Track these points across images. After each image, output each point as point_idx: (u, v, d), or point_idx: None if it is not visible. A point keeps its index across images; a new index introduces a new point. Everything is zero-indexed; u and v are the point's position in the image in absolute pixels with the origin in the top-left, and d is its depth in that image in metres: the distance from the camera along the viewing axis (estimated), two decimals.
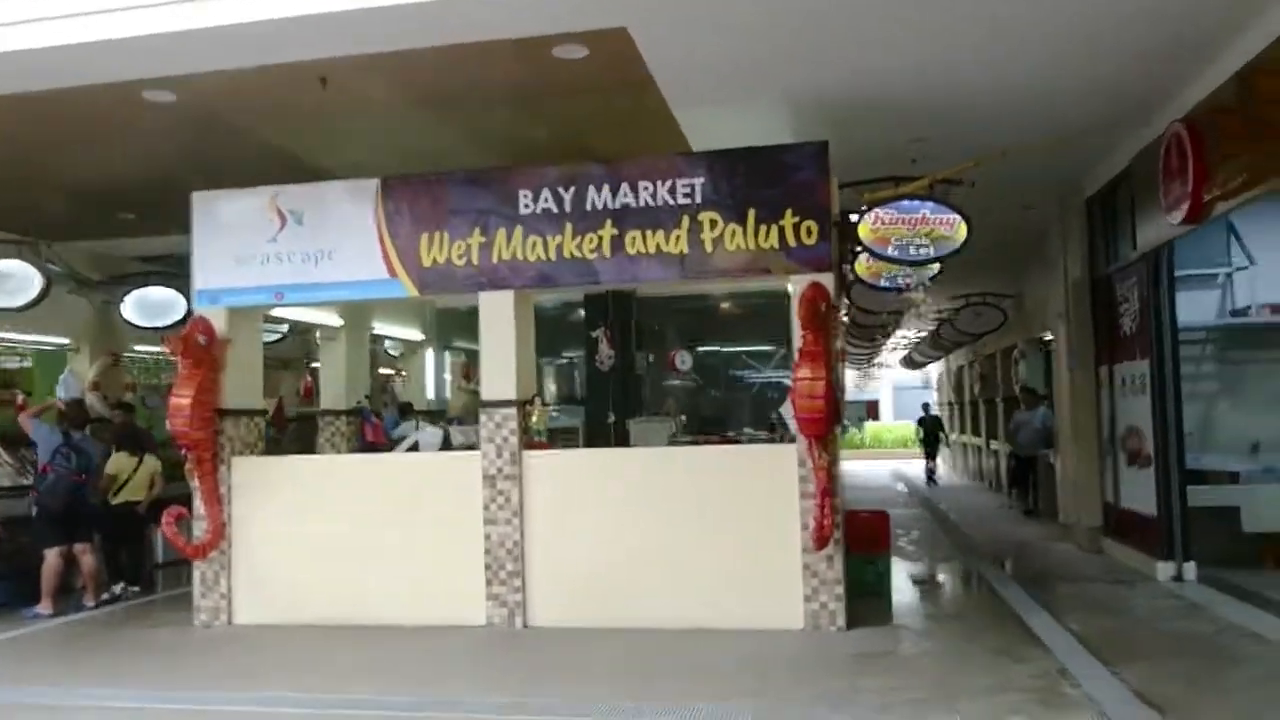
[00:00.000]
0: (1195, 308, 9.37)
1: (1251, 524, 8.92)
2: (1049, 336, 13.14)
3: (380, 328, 12.16)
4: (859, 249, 7.66)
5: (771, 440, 8.89)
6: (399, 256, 7.58)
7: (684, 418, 11.20)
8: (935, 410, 22.58)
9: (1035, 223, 11.54)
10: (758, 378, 13.53)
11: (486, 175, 7.52)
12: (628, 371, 11.11)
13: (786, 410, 7.23)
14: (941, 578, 9.44)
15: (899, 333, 19.37)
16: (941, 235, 7.26)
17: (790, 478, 6.91)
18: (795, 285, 6.99)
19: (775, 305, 12.89)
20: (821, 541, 6.64)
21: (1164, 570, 8.29)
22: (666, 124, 7.81)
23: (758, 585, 6.93)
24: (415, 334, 13.29)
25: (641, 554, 7.11)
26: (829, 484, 6.68)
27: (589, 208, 7.28)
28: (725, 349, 13.13)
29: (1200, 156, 6.92)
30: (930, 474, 19.69)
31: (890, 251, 7.32)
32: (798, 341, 6.82)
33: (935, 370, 27.45)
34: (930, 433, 20.22)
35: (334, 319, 10.48)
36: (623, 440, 10.31)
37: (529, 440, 7.43)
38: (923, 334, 19.33)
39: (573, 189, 7.31)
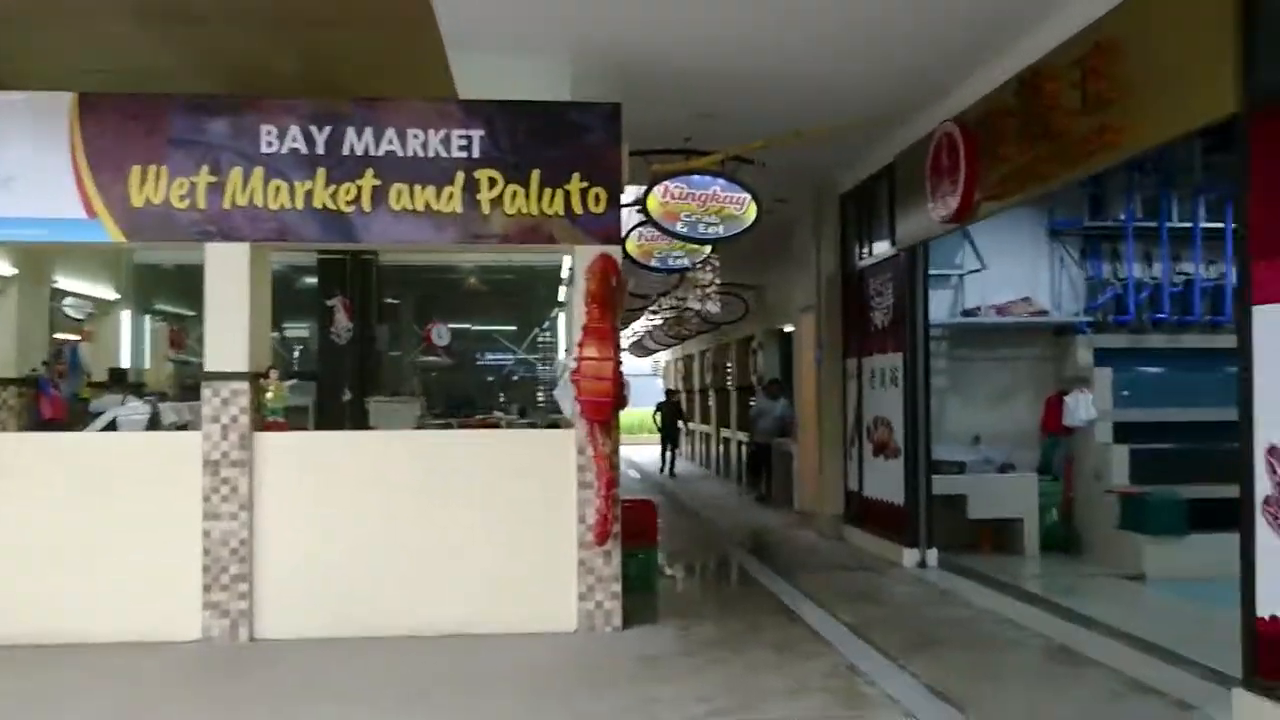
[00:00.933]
0: (931, 306, 9.75)
1: (976, 511, 9.48)
2: (789, 328, 13.48)
3: (63, 282, 10.24)
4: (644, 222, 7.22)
5: (534, 425, 8.27)
6: (100, 193, 6.20)
7: (425, 399, 10.31)
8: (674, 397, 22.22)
9: (782, 217, 11.70)
10: (507, 358, 12.85)
11: (221, 103, 6.30)
12: (367, 346, 10.05)
13: (563, 392, 6.65)
14: (700, 568, 9.24)
15: (643, 319, 19.25)
16: (731, 214, 6.97)
17: (568, 466, 6.34)
18: (581, 257, 6.41)
19: (528, 283, 12.36)
20: (603, 536, 6.13)
21: (910, 557, 8.55)
22: (436, 71, 6.98)
23: (528, 584, 6.30)
24: (108, 292, 11.38)
25: (397, 551, 6.26)
26: (612, 473, 6.18)
27: (346, 152, 6.29)
28: (473, 327, 12.35)
29: (972, 156, 7.08)
30: (668, 463, 19.04)
31: (679, 228, 6.93)
32: (582, 318, 6.25)
33: (663, 358, 27.97)
34: (669, 420, 19.32)
35: (3, 266, 8.60)
36: (360, 422, 9.27)
37: (262, 420, 6.34)
38: (657, 322, 19.34)
39: (328, 129, 6.28)
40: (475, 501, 6.33)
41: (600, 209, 6.38)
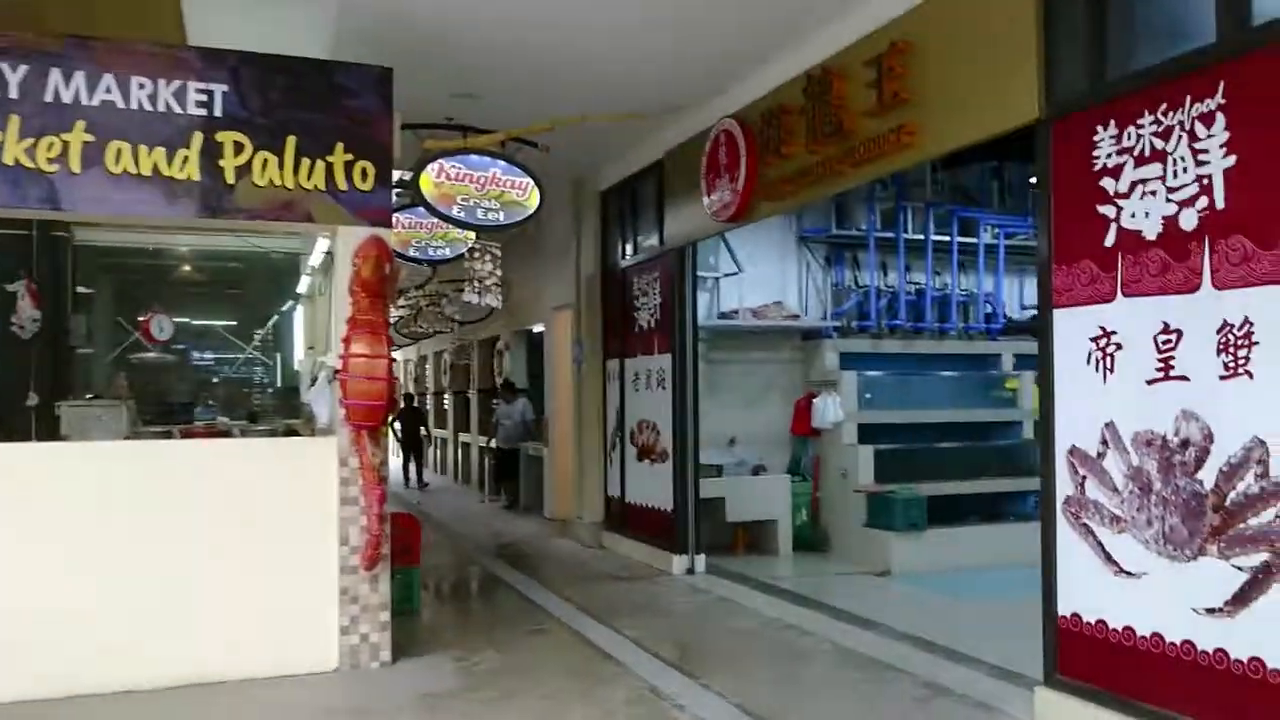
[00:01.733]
0: None
1: (734, 514, 9.48)
2: (539, 328, 13.03)
3: None
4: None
5: (274, 432, 7.26)
6: None
7: (134, 403, 8.85)
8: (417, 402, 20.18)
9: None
10: (231, 357, 11.41)
11: None
12: (59, 340, 8.46)
13: (319, 395, 5.80)
14: (461, 586, 8.54)
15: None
16: (513, 200, 6.39)
17: (327, 480, 5.51)
18: (345, 239, 5.60)
19: (257, 272, 11.02)
20: (373, 560, 5.38)
21: (679, 564, 8.35)
22: (162, 15, 5.92)
23: (278, 618, 5.41)
24: None
25: (110, 588, 5.14)
26: (383, 487, 5.43)
27: (50, 99, 5.09)
28: (192, 321, 10.82)
29: (753, 154, 6.97)
30: (415, 475, 16.75)
31: (455, 212, 6.26)
32: (348, 310, 5.46)
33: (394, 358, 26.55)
34: (411, 428, 16.97)
35: None
36: (51, 431, 7.77)
37: None
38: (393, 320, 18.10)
39: (24, 69, 5.05)
40: (209, 525, 5.34)
41: (368, 185, 5.61)
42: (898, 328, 10.68)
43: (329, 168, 5.53)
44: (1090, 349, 4.36)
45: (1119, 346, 4.23)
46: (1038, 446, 10.04)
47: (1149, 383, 4.08)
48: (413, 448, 16.92)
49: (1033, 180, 10.57)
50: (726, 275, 10.27)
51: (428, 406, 20.68)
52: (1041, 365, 4.64)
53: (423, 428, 17.82)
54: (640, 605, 7.15)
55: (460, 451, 17.32)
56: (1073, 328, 4.45)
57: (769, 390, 10.53)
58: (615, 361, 9.86)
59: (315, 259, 9.40)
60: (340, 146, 5.56)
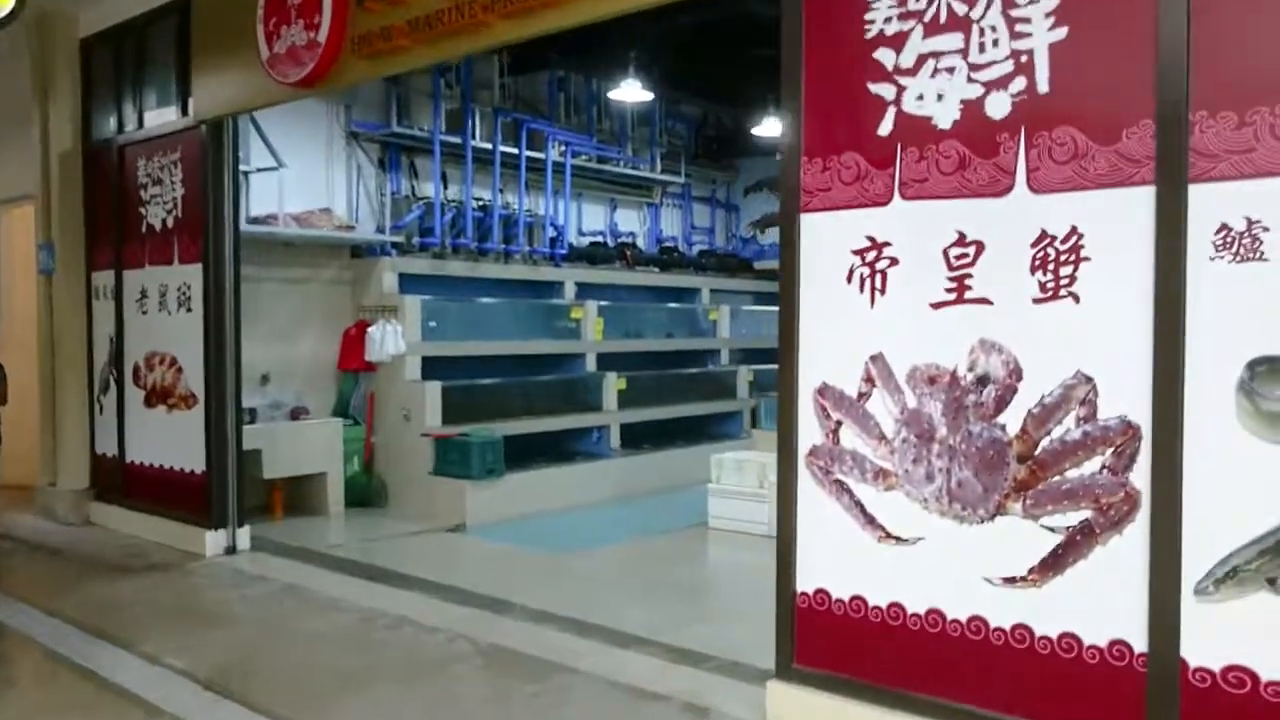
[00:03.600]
0: None
1: (274, 469, 7.63)
2: None
3: None
4: None
5: None
6: None
7: None
8: None
9: None
10: None
11: None
12: None
13: None
14: None
15: None
16: None
17: None
18: None
19: None
20: None
21: (215, 542, 6.33)
22: None
23: None
24: None
25: None
26: None
27: None
28: None
29: None
30: None
31: None
32: None
33: None
34: None
35: None
36: None
37: None
38: None
39: None
40: None
41: None
42: (462, 247, 9.38)
43: None
44: (853, 264, 3.50)
45: (894, 261, 3.42)
46: (601, 381, 9.97)
47: (935, 306, 3.32)
48: None
49: (611, 95, 10.15)
50: (261, 170, 8.13)
51: None
52: (784, 284, 3.69)
53: None
54: (176, 610, 5.12)
55: None
56: (827, 237, 3.56)
57: (310, 316, 8.66)
58: (107, 274, 7.29)
59: None
60: None
